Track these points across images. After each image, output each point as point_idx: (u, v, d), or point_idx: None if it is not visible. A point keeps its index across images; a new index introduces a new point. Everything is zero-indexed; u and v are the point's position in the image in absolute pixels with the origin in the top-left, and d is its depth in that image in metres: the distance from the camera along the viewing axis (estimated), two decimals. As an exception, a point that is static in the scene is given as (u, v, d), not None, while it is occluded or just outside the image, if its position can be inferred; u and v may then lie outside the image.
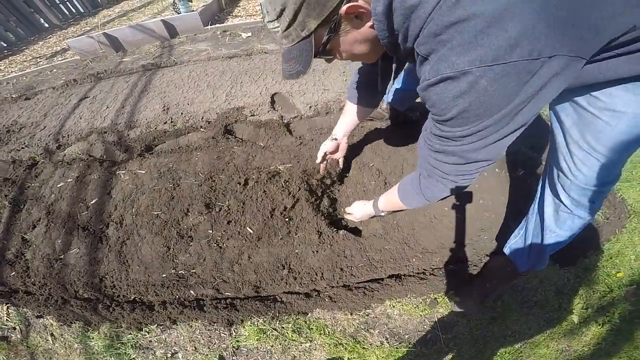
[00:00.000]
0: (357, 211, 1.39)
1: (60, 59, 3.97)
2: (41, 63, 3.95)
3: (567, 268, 1.48)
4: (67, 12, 6.11)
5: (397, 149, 1.82)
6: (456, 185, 0.85)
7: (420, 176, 0.92)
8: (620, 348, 1.28)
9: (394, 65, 0.90)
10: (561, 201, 1.01)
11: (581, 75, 0.68)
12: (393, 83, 0.97)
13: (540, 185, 1.12)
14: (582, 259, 1.52)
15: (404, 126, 1.95)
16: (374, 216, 1.37)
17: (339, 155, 1.57)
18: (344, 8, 0.66)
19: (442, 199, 0.96)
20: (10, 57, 4.45)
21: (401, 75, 1.60)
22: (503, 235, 1.37)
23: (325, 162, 1.59)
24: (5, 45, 4.96)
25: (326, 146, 1.47)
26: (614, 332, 1.31)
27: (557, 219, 1.06)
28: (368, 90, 1.24)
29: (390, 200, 1.16)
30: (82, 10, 6.40)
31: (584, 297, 1.42)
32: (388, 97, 1.78)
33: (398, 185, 1.09)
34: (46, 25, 5.64)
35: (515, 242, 1.25)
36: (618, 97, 0.76)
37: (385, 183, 1.69)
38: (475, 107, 0.62)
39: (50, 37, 5.12)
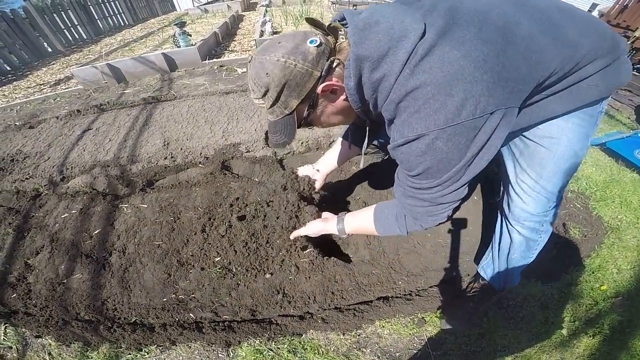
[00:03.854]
0: (311, 228, 1.36)
1: (63, 87, 3.98)
2: (45, 91, 3.95)
3: (550, 284, 1.52)
4: (71, 38, 6.24)
5: (382, 181, 1.94)
6: (429, 224, 0.95)
7: (406, 216, 0.98)
8: (615, 357, 1.28)
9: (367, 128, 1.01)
10: (515, 228, 1.10)
11: (519, 121, 0.79)
12: (368, 142, 1.06)
13: (499, 212, 1.21)
14: (564, 275, 1.56)
15: (386, 162, 2.10)
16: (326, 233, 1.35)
17: (318, 185, 1.63)
18: (320, 87, 0.76)
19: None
20: (14, 83, 4.41)
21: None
22: (481, 257, 1.43)
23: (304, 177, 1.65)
24: (9, 69, 4.95)
25: (306, 170, 1.62)
26: (607, 343, 1.32)
27: (515, 244, 1.15)
28: (358, 133, 1.32)
29: (361, 225, 1.19)
30: (85, 37, 6.55)
31: (570, 311, 1.44)
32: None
33: (374, 213, 1.11)
34: (49, 49, 5.68)
35: (486, 263, 1.33)
36: (553, 124, 0.86)
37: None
38: (435, 164, 0.73)
39: (53, 64, 5.14)
